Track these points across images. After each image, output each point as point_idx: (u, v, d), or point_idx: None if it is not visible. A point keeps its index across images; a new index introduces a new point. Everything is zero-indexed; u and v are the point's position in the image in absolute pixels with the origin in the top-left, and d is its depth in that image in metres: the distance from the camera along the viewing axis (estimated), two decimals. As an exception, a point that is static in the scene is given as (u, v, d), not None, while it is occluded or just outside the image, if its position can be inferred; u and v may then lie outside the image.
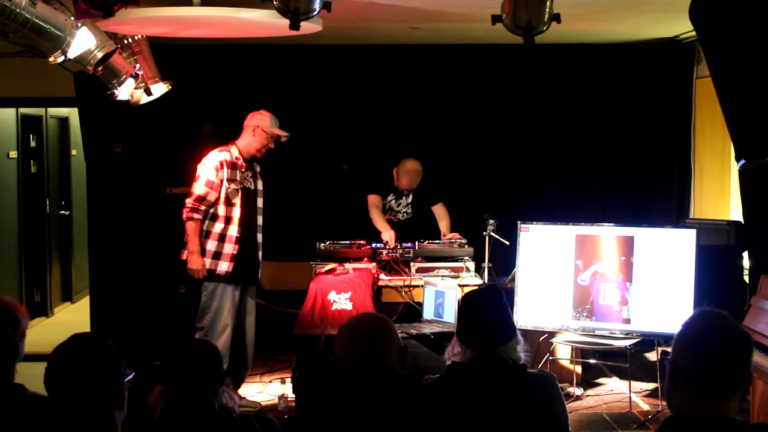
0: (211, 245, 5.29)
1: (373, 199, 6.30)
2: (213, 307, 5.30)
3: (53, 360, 2.38)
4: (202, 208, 5.25)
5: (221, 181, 5.25)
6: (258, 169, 5.53)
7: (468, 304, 2.93)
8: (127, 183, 6.96)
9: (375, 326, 2.58)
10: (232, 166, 5.31)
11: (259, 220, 5.50)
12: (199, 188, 5.25)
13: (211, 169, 5.25)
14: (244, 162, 5.38)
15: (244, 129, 5.42)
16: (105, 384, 2.36)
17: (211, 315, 5.30)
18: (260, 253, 5.53)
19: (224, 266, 5.29)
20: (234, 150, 5.37)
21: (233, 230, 5.30)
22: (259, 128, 5.37)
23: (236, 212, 5.30)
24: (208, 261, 5.28)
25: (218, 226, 5.29)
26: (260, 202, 5.51)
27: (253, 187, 5.46)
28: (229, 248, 5.30)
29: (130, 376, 2.45)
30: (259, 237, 5.50)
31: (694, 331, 2.01)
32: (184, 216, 5.28)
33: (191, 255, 5.26)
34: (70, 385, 2.34)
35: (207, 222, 5.31)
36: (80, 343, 2.42)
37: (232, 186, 5.29)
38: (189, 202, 5.27)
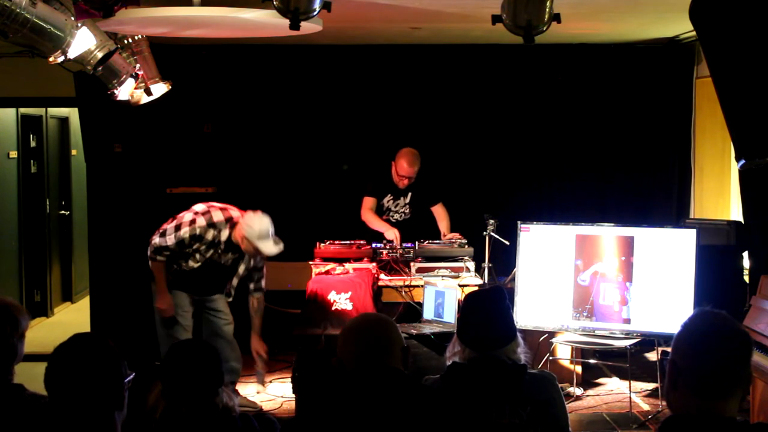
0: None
1: (368, 202, 6.27)
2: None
3: (53, 360, 2.38)
4: (167, 253, 5.07)
5: (191, 245, 5.04)
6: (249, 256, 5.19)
7: (470, 303, 2.93)
8: (127, 183, 6.96)
9: (378, 327, 2.58)
10: (211, 245, 5.06)
11: (234, 281, 5.28)
12: (170, 240, 5.01)
13: (188, 235, 5.00)
14: (229, 244, 5.09)
15: (240, 221, 5.03)
16: (105, 384, 2.36)
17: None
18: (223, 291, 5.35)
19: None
20: (224, 235, 5.03)
21: (187, 266, 5.15)
22: (246, 239, 4.99)
23: (190, 263, 5.12)
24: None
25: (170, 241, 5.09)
26: (235, 280, 5.27)
27: (225, 263, 5.20)
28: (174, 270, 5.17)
29: (131, 377, 2.45)
30: (234, 284, 5.32)
31: (694, 331, 2.01)
32: (149, 254, 5.09)
33: (159, 294, 5.12)
34: (71, 385, 2.34)
35: None
36: (81, 343, 2.42)
37: (196, 255, 5.09)
38: (156, 244, 5.04)
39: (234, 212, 5.12)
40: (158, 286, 5.13)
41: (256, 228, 4.98)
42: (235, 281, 5.30)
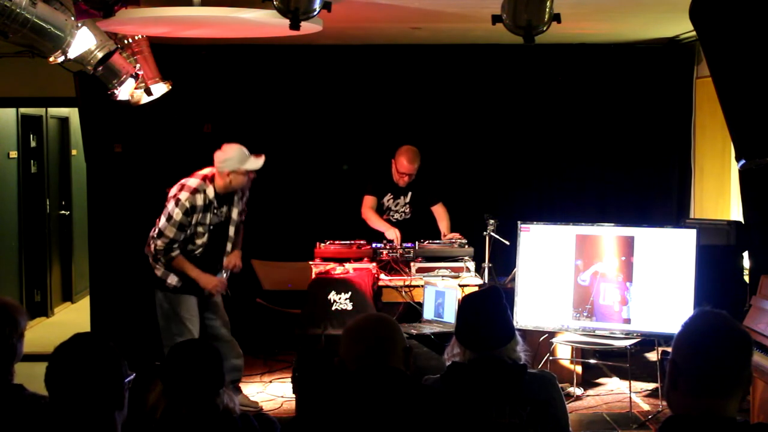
0: None
1: (368, 201, 6.27)
2: (165, 318, 5.18)
3: (54, 359, 2.38)
4: (176, 245, 5.04)
5: (190, 222, 5.03)
6: (239, 195, 5.25)
7: (467, 304, 2.93)
8: (127, 183, 6.95)
9: (380, 327, 2.58)
10: (206, 209, 5.05)
11: (228, 246, 5.26)
12: (171, 233, 4.98)
13: (182, 215, 4.97)
14: (221, 197, 5.13)
15: (217, 171, 5.08)
16: (106, 384, 2.36)
17: (167, 324, 5.17)
18: (223, 261, 5.28)
19: (174, 280, 5.13)
20: (210, 191, 5.05)
21: (196, 247, 5.14)
22: (232, 173, 5.03)
23: (198, 242, 5.13)
24: (161, 270, 5.12)
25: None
26: (231, 230, 5.26)
27: (224, 219, 5.21)
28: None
29: (131, 377, 2.45)
30: (229, 246, 5.28)
31: (694, 331, 2.01)
32: (159, 258, 5.04)
33: (199, 280, 5.10)
34: (71, 384, 2.34)
35: None
36: (82, 342, 2.42)
37: (199, 229, 5.08)
38: (160, 246, 5.00)
39: (204, 171, 5.13)
40: (193, 273, 5.08)
41: (234, 155, 5.01)
42: (231, 230, 5.25)
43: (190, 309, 5.18)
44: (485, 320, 2.80)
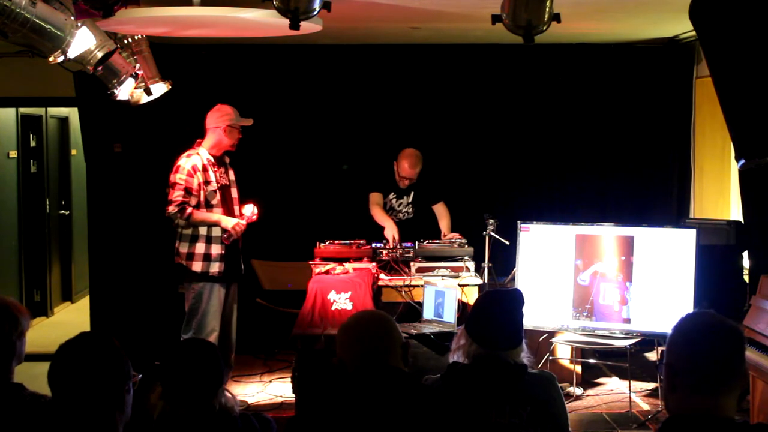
0: (200, 248, 5.30)
1: (374, 197, 6.28)
2: (200, 310, 5.31)
3: (58, 357, 2.36)
4: (188, 197, 5.24)
5: (199, 185, 5.27)
6: (227, 160, 5.54)
7: (488, 300, 2.92)
8: (127, 183, 6.95)
9: (376, 325, 2.57)
10: (204, 169, 5.31)
11: (236, 210, 5.51)
12: (178, 195, 5.21)
13: (185, 176, 5.24)
14: (215, 161, 5.40)
15: (208, 130, 5.42)
16: (109, 383, 2.35)
17: (198, 318, 5.30)
18: (240, 243, 5.54)
19: (216, 267, 5.32)
20: (203, 152, 5.37)
21: (217, 230, 5.32)
22: (229, 127, 5.39)
23: (217, 212, 5.33)
24: (199, 264, 5.30)
25: (203, 229, 5.31)
26: (234, 192, 5.53)
27: (227, 182, 5.49)
28: (217, 249, 5.32)
29: (137, 379, 2.43)
30: (237, 208, 5.52)
31: (687, 332, 2.03)
32: (180, 216, 5.21)
33: (221, 222, 5.30)
34: (74, 382, 2.33)
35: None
36: (86, 341, 2.41)
37: (209, 188, 5.31)
38: (171, 208, 5.21)
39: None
40: (214, 218, 5.30)
41: (231, 111, 5.43)
42: (235, 191, 5.53)
43: (215, 305, 5.33)
44: (501, 319, 2.79)
